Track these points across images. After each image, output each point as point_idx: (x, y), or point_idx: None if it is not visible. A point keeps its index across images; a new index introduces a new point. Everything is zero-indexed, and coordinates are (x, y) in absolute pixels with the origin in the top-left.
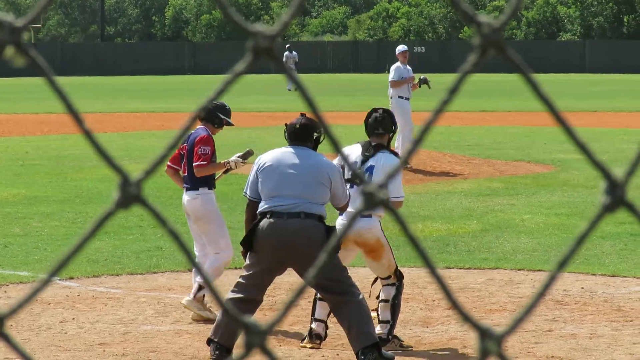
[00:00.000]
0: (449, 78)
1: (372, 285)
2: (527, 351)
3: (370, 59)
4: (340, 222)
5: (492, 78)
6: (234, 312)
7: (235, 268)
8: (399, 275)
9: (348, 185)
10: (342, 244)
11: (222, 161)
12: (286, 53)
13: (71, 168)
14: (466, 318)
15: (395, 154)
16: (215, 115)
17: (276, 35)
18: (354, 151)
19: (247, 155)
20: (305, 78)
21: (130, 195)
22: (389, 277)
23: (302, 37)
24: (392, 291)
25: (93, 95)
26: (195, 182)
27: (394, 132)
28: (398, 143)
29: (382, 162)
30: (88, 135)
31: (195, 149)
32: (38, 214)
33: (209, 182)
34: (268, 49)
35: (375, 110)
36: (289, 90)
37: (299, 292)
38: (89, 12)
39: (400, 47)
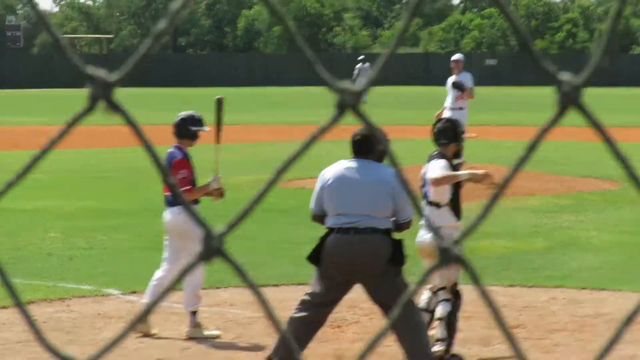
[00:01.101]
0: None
1: (431, 299)
2: None
3: (442, 71)
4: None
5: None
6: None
7: (299, 284)
8: (454, 292)
9: None
10: (422, 257)
11: (205, 184)
12: (359, 65)
13: (142, 180)
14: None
15: (447, 158)
16: (187, 129)
17: (361, 93)
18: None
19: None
20: (377, 90)
21: (213, 248)
22: (444, 288)
23: (373, 49)
24: (448, 307)
25: (164, 107)
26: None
27: (461, 140)
28: None
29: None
30: (173, 188)
31: (174, 173)
32: (105, 227)
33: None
34: (354, 106)
35: (439, 120)
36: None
37: (379, 337)
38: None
39: (453, 57)
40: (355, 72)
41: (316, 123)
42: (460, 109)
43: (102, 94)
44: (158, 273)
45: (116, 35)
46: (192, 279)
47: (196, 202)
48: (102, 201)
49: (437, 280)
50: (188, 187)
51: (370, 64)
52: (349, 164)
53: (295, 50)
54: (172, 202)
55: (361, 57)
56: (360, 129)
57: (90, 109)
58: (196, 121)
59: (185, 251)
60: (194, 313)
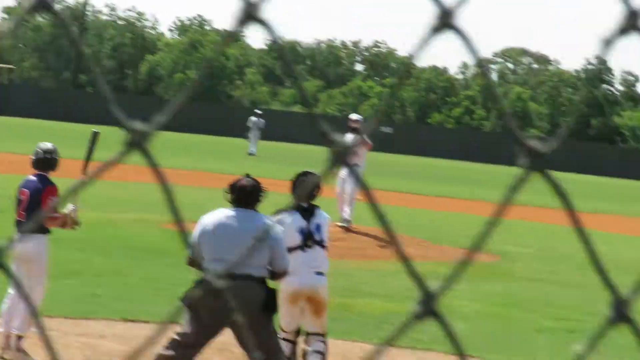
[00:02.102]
0: (415, 160)
1: (298, 345)
2: None
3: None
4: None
5: (445, 164)
6: None
7: (173, 323)
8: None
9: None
10: (294, 301)
11: (64, 213)
12: (253, 118)
13: None
14: None
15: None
16: (51, 159)
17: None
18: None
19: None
20: (272, 145)
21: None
22: (322, 334)
23: (271, 105)
24: (323, 346)
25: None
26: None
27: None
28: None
29: (324, 218)
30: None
31: (45, 200)
32: None
33: (43, 226)
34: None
35: (304, 174)
36: (250, 154)
37: None
38: (63, 59)
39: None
40: (249, 124)
41: (214, 171)
42: (356, 165)
43: (139, 143)
44: (7, 301)
45: (18, 66)
46: (30, 302)
47: (47, 231)
48: None
49: (312, 328)
50: (58, 215)
51: (264, 120)
52: (228, 212)
53: (196, 98)
54: (21, 229)
55: (257, 111)
56: (248, 179)
57: (125, 153)
58: (53, 151)
59: (30, 277)
60: (20, 338)
